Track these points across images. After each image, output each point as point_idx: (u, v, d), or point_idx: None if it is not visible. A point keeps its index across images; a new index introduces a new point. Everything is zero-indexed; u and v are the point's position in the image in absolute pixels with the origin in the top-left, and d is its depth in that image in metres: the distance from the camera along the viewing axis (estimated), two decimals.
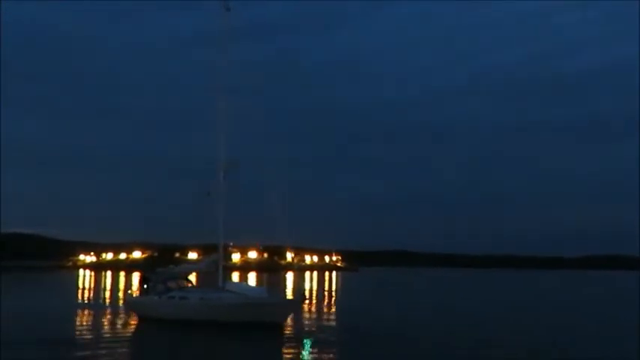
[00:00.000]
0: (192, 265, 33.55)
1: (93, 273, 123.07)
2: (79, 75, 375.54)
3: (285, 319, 27.76)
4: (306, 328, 27.45)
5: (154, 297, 30.09)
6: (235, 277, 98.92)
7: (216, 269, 30.79)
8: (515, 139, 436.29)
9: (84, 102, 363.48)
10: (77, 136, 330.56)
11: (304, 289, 29.18)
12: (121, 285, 65.26)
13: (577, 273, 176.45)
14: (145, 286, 31.76)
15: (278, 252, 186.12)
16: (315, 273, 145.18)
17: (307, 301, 28.91)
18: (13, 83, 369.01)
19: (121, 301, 40.93)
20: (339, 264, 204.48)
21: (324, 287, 71.22)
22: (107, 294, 51.57)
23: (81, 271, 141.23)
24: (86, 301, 43.63)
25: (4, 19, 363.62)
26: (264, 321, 26.65)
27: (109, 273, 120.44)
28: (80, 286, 67.94)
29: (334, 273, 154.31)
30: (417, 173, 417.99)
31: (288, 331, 26.33)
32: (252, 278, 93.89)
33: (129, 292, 42.97)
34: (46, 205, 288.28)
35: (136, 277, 69.49)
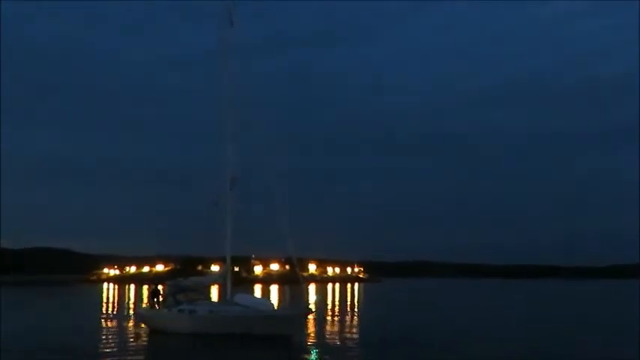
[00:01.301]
0: (201, 278, 33.87)
1: (117, 286, 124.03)
2: (97, 87, 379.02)
3: (293, 331, 27.90)
4: (315, 340, 27.66)
5: (163, 310, 30.72)
6: (258, 288, 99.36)
7: (224, 281, 31.14)
8: (540, 147, 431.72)
9: (103, 115, 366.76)
10: (99, 149, 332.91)
11: (312, 302, 29.25)
12: (144, 298, 65.82)
13: (602, 283, 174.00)
14: (156, 299, 32.50)
15: (300, 264, 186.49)
16: (337, 285, 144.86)
17: (315, 313, 29.14)
18: (34, 96, 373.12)
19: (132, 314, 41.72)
20: (361, 275, 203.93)
21: (339, 299, 71.28)
22: (124, 307, 52.02)
23: (105, 284, 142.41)
24: (103, 314, 44.23)
25: (26, 34, 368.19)
26: (272, 333, 26.94)
27: (132, 286, 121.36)
28: (101, 299, 68.69)
29: (356, 284, 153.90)
30: (439, 183, 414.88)
31: (295, 342, 26.56)
32: (274, 290, 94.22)
33: (140, 305, 43.68)
34: (69, 219, 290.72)
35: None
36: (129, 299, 65.36)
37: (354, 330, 32.82)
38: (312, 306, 28.84)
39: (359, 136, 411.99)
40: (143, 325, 31.73)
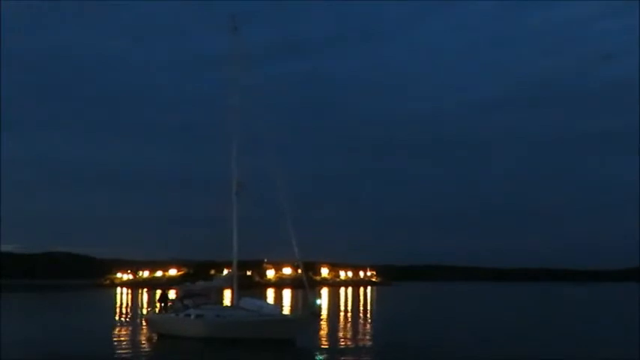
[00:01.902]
0: (208, 282, 34.06)
1: (130, 291, 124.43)
2: (114, 94, 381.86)
3: (299, 335, 28.02)
4: (323, 344, 27.78)
5: (171, 314, 30.94)
6: (270, 293, 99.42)
7: (231, 286, 31.27)
8: (554, 150, 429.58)
9: (115, 120, 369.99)
10: (113, 155, 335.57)
11: (318, 305, 29.40)
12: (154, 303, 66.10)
13: (616, 286, 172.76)
14: (164, 303, 32.79)
15: (312, 268, 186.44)
16: (349, 288, 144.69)
17: (321, 317, 29.35)
18: (48, 102, 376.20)
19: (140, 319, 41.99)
20: (373, 279, 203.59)
21: (351, 302, 71.20)
22: (135, 312, 52.22)
23: (118, 289, 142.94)
24: (114, 319, 44.40)
25: (43, 45, 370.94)
26: (278, 337, 27.12)
27: (145, 291, 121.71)
28: (113, 304, 69.00)
29: (368, 288, 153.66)
30: (452, 187, 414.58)
31: (301, 346, 26.78)
32: (286, 294, 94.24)
33: (149, 309, 44.02)
34: (83, 225, 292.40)
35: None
36: (141, 304, 65.54)
37: (364, 334, 32.72)
38: (317, 310, 28.97)
39: (371, 140, 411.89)
40: (151, 330, 31.96)
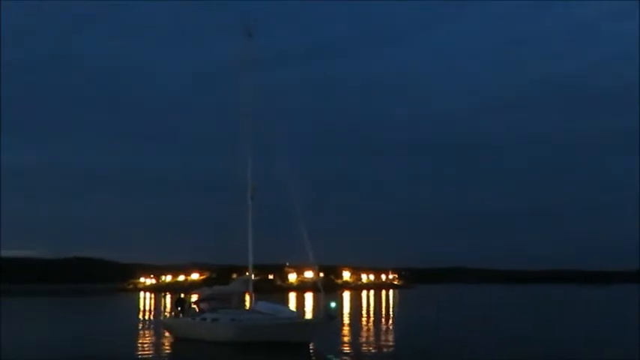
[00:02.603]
0: (224, 287, 34.25)
1: (153, 295, 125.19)
2: (125, 98, 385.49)
3: (313, 338, 28.01)
4: (342, 348, 27.66)
5: (187, 318, 31.26)
6: (292, 296, 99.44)
7: (247, 290, 31.40)
8: (570, 150, 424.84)
9: (137, 125, 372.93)
10: (133, 159, 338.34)
11: (333, 309, 29.38)
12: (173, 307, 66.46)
13: (631, 287, 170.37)
14: (180, 307, 32.98)
15: (334, 271, 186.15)
16: (371, 291, 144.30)
17: (337, 320, 29.47)
18: (64, 108, 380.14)
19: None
20: (395, 282, 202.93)
21: (368, 305, 70.95)
22: (156, 316, 52.54)
23: (141, 293, 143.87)
24: (134, 323, 44.73)
25: (72, 52, 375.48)
26: (293, 340, 27.06)
27: (168, 295, 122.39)
28: (135, 308, 69.58)
29: (391, 291, 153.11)
30: (473, 188, 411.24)
31: (315, 349, 26.78)
32: (308, 298, 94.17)
33: (164, 313, 44.50)
34: (106, 229, 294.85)
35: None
36: (163, 308, 65.91)
37: (387, 338, 32.61)
38: (332, 313, 29.01)
39: (391, 142, 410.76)
40: (168, 334, 32.22)
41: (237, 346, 27.14)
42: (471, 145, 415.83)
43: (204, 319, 29.94)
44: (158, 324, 41.15)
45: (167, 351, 27.54)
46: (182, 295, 35.36)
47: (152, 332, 35.22)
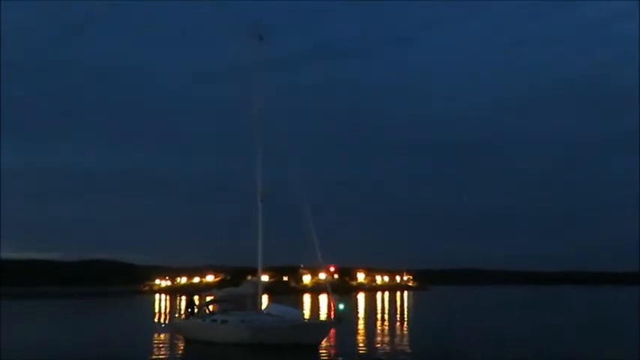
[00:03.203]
0: (234, 288, 34.53)
1: (168, 297, 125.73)
2: (140, 101, 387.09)
3: (322, 340, 28.30)
4: (350, 348, 27.78)
5: (197, 320, 31.50)
6: (307, 298, 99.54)
7: (257, 291, 31.60)
8: (581, 152, 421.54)
9: (145, 127, 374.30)
10: (149, 161, 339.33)
11: (342, 310, 29.60)
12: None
13: None
14: (190, 309, 33.32)
15: (348, 273, 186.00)
16: (386, 293, 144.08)
17: (346, 322, 29.69)
18: (79, 112, 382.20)
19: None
20: (410, 283, 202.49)
21: (383, 307, 70.88)
22: (170, 317, 52.90)
23: (157, 295, 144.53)
24: (148, 325, 45.20)
25: (88, 52, 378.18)
26: (302, 342, 27.35)
27: (183, 297, 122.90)
28: (150, 310, 70.13)
29: (405, 293, 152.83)
30: (488, 190, 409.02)
31: (324, 351, 26.93)
32: (323, 300, 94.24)
33: (175, 315, 44.92)
34: (122, 232, 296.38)
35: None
36: (177, 310, 66.33)
37: (402, 339, 32.57)
38: (341, 315, 29.26)
39: (405, 144, 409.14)
40: (179, 336, 32.49)
41: (247, 348, 27.43)
42: (489, 145, 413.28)
43: (215, 320, 30.29)
44: (160, 327, 41.65)
45: (179, 353, 27.83)
46: (193, 297, 35.67)
47: (165, 334, 35.48)
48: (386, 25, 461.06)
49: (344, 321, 29.64)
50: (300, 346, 27.01)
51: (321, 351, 26.90)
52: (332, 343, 29.17)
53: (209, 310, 32.45)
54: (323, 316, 50.46)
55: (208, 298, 35.13)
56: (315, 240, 28.92)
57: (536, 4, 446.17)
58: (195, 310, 33.30)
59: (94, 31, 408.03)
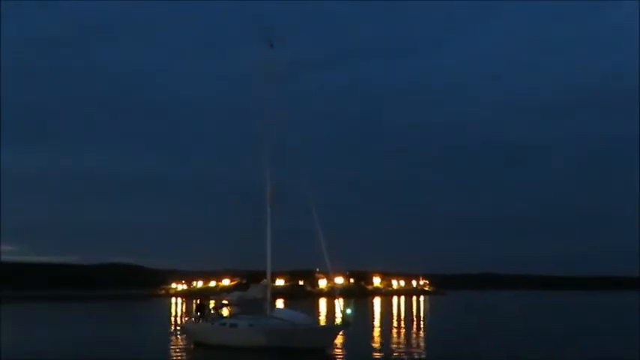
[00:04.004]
0: (243, 293, 34.84)
1: (184, 301, 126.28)
2: (156, 105, 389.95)
3: (330, 345, 28.51)
4: (357, 353, 28.03)
5: (207, 324, 31.82)
6: (322, 302, 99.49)
7: (265, 295, 31.82)
8: (601, 155, 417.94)
9: (165, 133, 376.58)
10: (164, 165, 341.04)
11: (349, 315, 29.76)
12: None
13: None
14: (200, 313, 33.68)
15: (364, 277, 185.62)
16: (402, 297, 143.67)
17: (351, 327, 29.85)
18: (94, 116, 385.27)
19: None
20: (426, 288, 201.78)
21: (399, 311, 70.69)
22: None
23: (173, 299, 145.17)
24: (162, 328, 45.61)
25: (101, 59, 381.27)
26: (309, 346, 27.57)
27: (211, 301, 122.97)
28: (167, 313, 70.63)
29: (421, 297, 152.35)
30: (505, 194, 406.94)
31: (339, 355, 27.17)
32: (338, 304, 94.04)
33: (186, 319, 45.34)
34: (139, 236, 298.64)
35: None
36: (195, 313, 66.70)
37: (417, 344, 32.57)
38: (349, 319, 29.46)
39: (424, 147, 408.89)
40: (189, 339, 32.90)
41: (254, 351, 27.71)
42: (505, 151, 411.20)
43: (223, 324, 30.65)
44: (181, 329, 41.97)
45: (184, 356, 28.05)
46: (203, 301, 36.09)
47: (178, 338, 35.73)
48: (409, 28, 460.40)
49: (351, 325, 29.81)
50: (308, 350, 27.22)
51: (335, 355, 27.07)
52: (345, 347, 29.27)
53: (218, 313, 32.84)
54: (326, 320, 50.72)
55: (219, 302, 35.33)
56: (323, 244, 29.10)
57: (571, 4, 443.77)
58: (206, 313, 33.55)
59: (111, 37, 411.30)
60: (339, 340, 31.76)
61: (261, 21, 34.41)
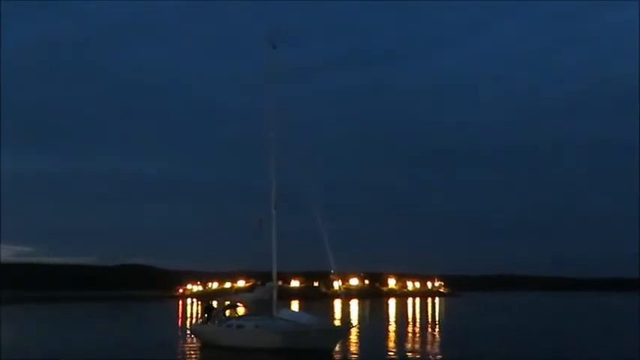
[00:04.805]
0: (248, 294, 34.87)
1: (199, 302, 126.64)
2: (170, 107, 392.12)
3: (335, 346, 28.48)
4: (370, 353, 27.92)
5: (214, 325, 31.93)
6: (337, 303, 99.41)
7: (271, 296, 31.70)
8: (617, 157, 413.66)
9: (179, 136, 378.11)
10: (179, 168, 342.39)
11: (357, 317, 29.82)
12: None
13: None
14: (207, 314, 33.82)
15: (379, 278, 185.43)
16: (417, 299, 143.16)
17: (356, 328, 29.72)
18: (109, 119, 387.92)
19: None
20: (441, 289, 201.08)
21: (414, 313, 70.34)
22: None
23: (188, 300, 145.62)
24: (173, 329, 45.75)
25: (118, 59, 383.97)
26: (315, 348, 27.46)
27: (214, 302, 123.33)
28: (179, 314, 70.88)
29: (437, 299, 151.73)
30: (520, 196, 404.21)
31: (338, 357, 27.06)
32: (353, 305, 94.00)
33: (193, 320, 45.55)
34: (155, 237, 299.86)
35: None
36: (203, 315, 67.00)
37: (432, 346, 32.31)
38: (354, 321, 29.45)
39: (438, 149, 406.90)
40: (196, 340, 32.97)
41: (261, 353, 27.73)
42: (525, 149, 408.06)
43: (230, 325, 30.70)
44: (180, 332, 42.12)
45: (196, 357, 28.07)
46: (211, 302, 36.14)
47: (187, 339, 35.81)
48: (421, 29, 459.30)
49: (353, 326, 29.63)
50: (314, 351, 27.13)
51: (335, 356, 27.07)
52: (359, 349, 29.16)
53: (225, 315, 32.88)
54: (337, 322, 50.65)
55: (226, 303, 35.31)
56: (328, 246, 29.14)
57: (589, 4, 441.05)
58: (213, 315, 33.56)
59: (119, 40, 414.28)
60: (352, 341, 31.75)
61: (263, 22, 34.47)
